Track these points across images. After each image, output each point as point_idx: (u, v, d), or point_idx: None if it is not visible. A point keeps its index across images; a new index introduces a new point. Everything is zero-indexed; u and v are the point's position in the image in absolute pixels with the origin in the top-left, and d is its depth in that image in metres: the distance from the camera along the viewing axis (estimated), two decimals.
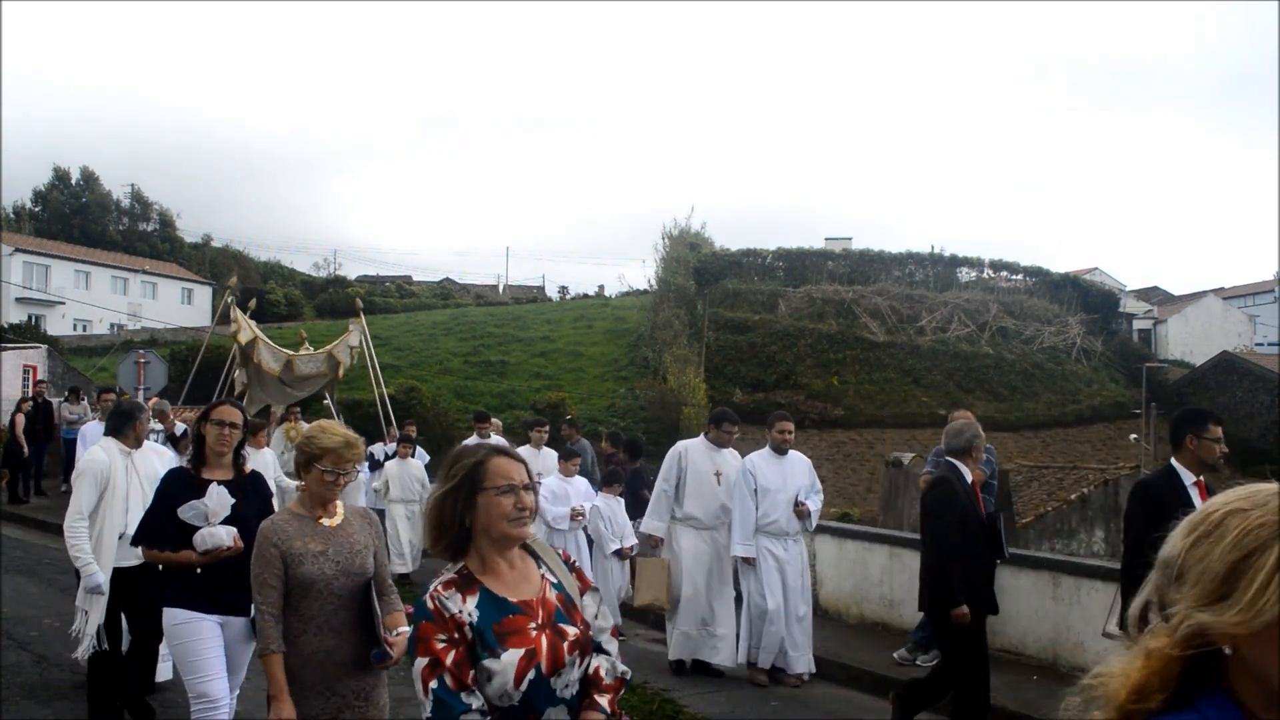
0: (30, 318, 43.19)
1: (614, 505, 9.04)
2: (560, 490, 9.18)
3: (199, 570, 4.22)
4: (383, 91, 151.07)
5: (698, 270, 36.75)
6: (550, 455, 10.22)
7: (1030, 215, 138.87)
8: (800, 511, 7.30)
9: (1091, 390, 35.79)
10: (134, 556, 5.23)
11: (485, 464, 2.42)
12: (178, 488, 4.38)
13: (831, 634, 8.33)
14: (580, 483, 9.42)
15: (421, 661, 2.23)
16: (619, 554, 8.88)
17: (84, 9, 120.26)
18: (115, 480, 5.50)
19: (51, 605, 8.88)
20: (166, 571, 4.37)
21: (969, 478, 5.80)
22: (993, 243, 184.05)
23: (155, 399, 12.77)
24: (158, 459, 5.92)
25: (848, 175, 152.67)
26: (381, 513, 10.62)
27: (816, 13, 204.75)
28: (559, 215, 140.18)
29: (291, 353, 14.04)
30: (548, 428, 11.04)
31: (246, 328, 13.32)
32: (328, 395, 15.77)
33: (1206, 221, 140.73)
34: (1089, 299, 41.00)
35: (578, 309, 43.94)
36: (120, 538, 5.52)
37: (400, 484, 11.23)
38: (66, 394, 18.04)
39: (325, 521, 3.61)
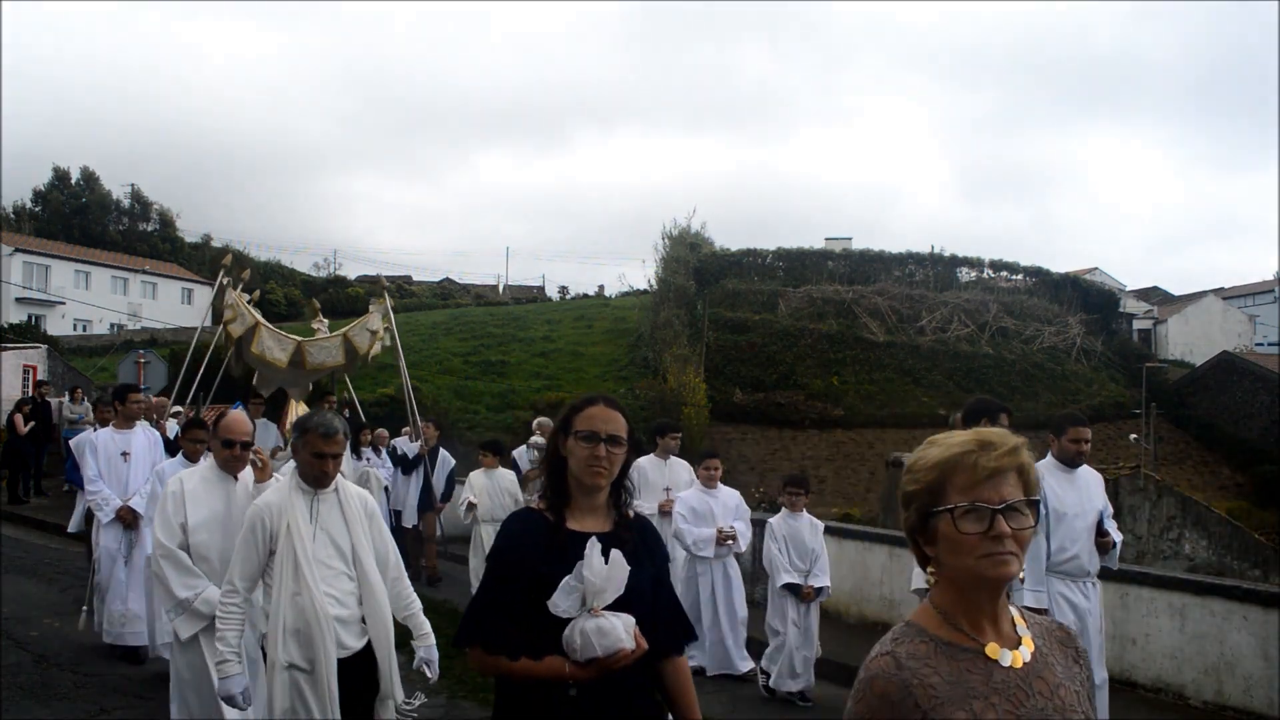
0: (30, 318, 43.22)
1: (794, 523, 6.99)
2: (702, 505, 7.54)
3: (572, 690, 2.47)
4: (383, 91, 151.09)
5: (698, 270, 36.74)
6: (681, 466, 8.33)
7: (1030, 215, 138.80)
8: (1105, 543, 5.66)
9: (1091, 390, 35.77)
10: (353, 638, 3.90)
11: None
12: (526, 545, 2.57)
13: (832, 634, 8.33)
14: (729, 495, 7.70)
15: None
16: (795, 590, 6.89)
17: (84, 9, 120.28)
18: (296, 531, 3.87)
19: (52, 605, 8.88)
20: (508, 693, 2.57)
21: None
22: (993, 243, 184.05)
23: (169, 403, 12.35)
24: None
25: (848, 175, 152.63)
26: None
27: (816, 12, 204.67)
28: (559, 215, 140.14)
29: (300, 339, 11.97)
30: (680, 435, 8.61)
31: (245, 314, 11.32)
32: (348, 389, 13.81)
33: (1206, 221, 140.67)
34: (1089, 299, 40.99)
35: (578, 309, 43.93)
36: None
37: (490, 498, 9.39)
38: (67, 394, 18.08)
39: None
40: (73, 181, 60.43)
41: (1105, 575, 7.57)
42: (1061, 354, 37.35)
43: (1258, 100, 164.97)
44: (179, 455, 6.44)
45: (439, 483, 11.68)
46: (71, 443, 7.67)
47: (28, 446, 16.01)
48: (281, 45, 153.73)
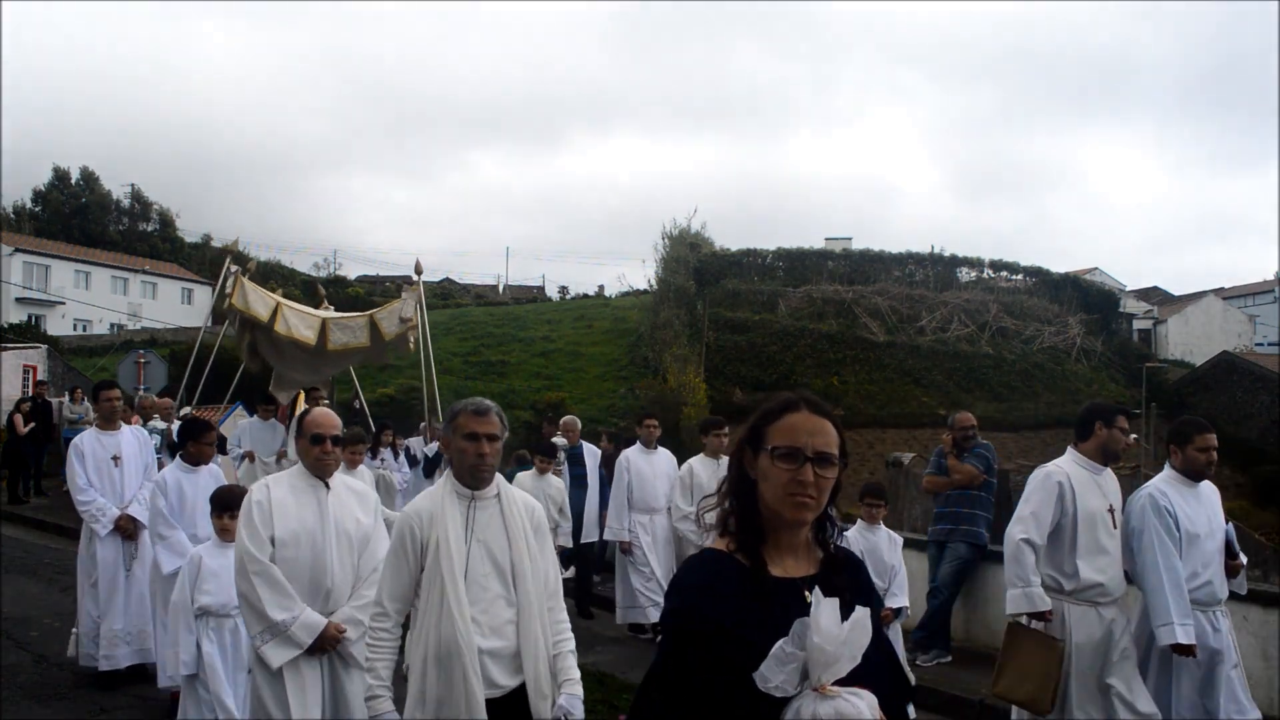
0: (30, 318, 43.23)
1: (872, 538, 6.33)
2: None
3: None
4: (382, 91, 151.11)
5: (698, 270, 36.74)
6: None
7: (1030, 215, 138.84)
8: (1235, 565, 5.15)
9: (1091, 390, 35.73)
10: (506, 675, 3.33)
11: None
12: (716, 599, 1.90)
13: None
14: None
15: None
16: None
17: (84, 9, 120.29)
18: (446, 544, 3.33)
19: (52, 605, 8.88)
20: None
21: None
22: (993, 243, 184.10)
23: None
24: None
25: (848, 175, 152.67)
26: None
27: (814, 11, 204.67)
28: (559, 215, 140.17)
29: (325, 314, 11.02)
30: (727, 430, 8.01)
31: (264, 296, 10.40)
32: (355, 387, 13.00)
33: (1206, 221, 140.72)
34: (1089, 299, 40.99)
35: (578, 309, 43.92)
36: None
37: None
38: (67, 394, 18.08)
39: None
40: (73, 181, 60.43)
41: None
42: (1061, 354, 37.36)
43: (1258, 99, 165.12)
44: (178, 460, 6.15)
45: None
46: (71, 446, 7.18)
47: (28, 447, 16.01)
48: (280, 45, 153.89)
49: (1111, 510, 5.00)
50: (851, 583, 1.99)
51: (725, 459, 7.73)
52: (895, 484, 16.51)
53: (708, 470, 7.70)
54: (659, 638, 2.15)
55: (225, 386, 13.79)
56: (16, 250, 47.63)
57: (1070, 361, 37.15)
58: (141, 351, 18.18)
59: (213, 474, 6.11)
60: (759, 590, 1.90)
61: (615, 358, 34.28)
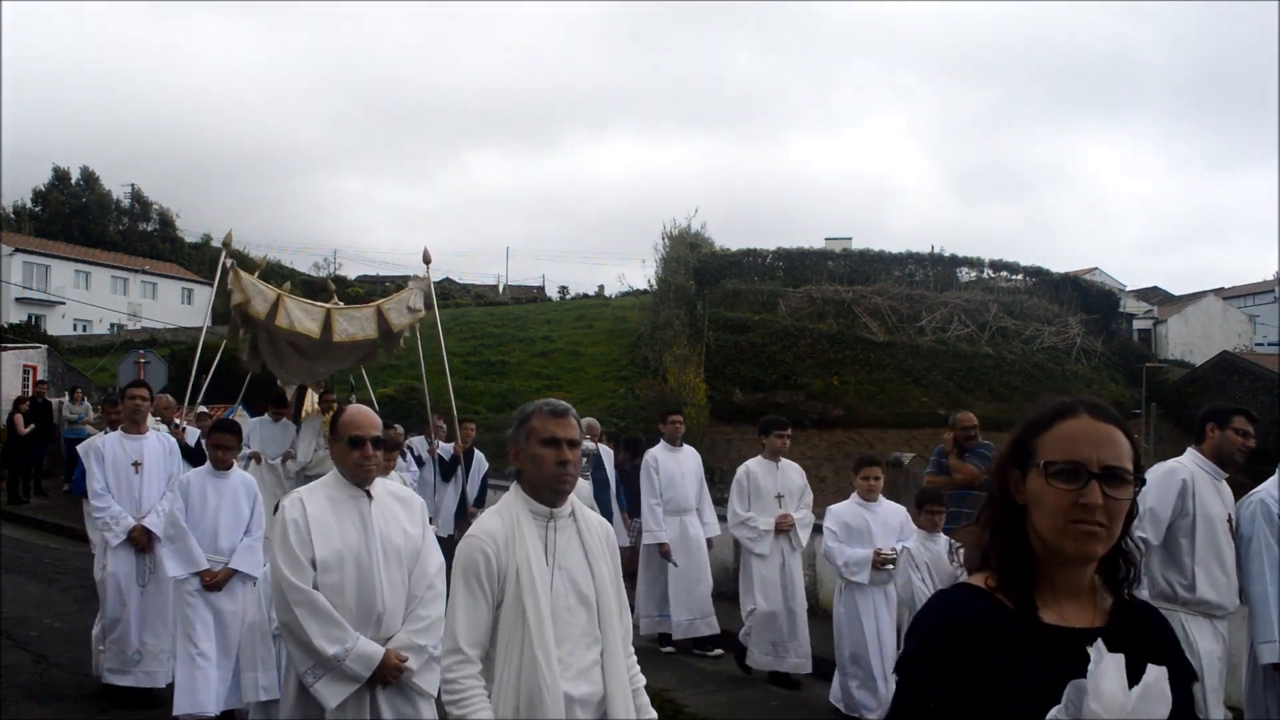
0: (30, 318, 43.24)
1: (935, 547, 5.86)
2: (858, 521, 6.38)
3: None
4: (383, 91, 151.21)
5: (698, 270, 36.76)
6: (795, 470, 7.37)
7: (1029, 215, 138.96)
8: None
9: (1091, 390, 35.72)
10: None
11: None
12: (973, 649, 1.54)
13: (831, 634, 8.33)
14: (891, 511, 6.52)
15: None
16: None
17: (84, 9, 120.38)
18: (528, 574, 2.87)
19: (52, 605, 8.89)
20: None
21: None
22: (992, 243, 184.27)
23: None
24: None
25: (847, 175, 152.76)
26: None
27: (812, 11, 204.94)
28: (559, 215, 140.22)
29: (329, 305, 10.28)
30: (789, 432, 7.43)
31: (264, 289, 9.72)
32: (366, 386, 12.41)
33: (1206, 221, 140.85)
34: (1089, 299, 41.03)
35: (578, 309, 43.95)
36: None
37: None
38: (67, 394, 18.09)
39: None
40: (73, 181, 60.48)
41: None
42: (1061, 354, 37.39)
43: (1258, 99, 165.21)
44: (207, 464, 5.73)
45: (473, 487, 10.86)
46: (79, 448, 6.75)
47: (28, 446, 16.02)
48: (280, 46, 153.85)
49: (1230, 520, 4.63)
50: (1150, 640, 1.60)
51: (785, 461, 7.17)
52: (895, 484, 16.52)
53: (767, 473, 7.21)
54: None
55: (232, 387, 13.63)
56: (16, 250, 47.65)
57: (1070, 361, 37.18)
58: (141, 351, 18.19)
59: (244, 482, 5.74)
60: (1026, 640, 1.53)
61: (615, 358, 34.30)
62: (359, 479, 3.62)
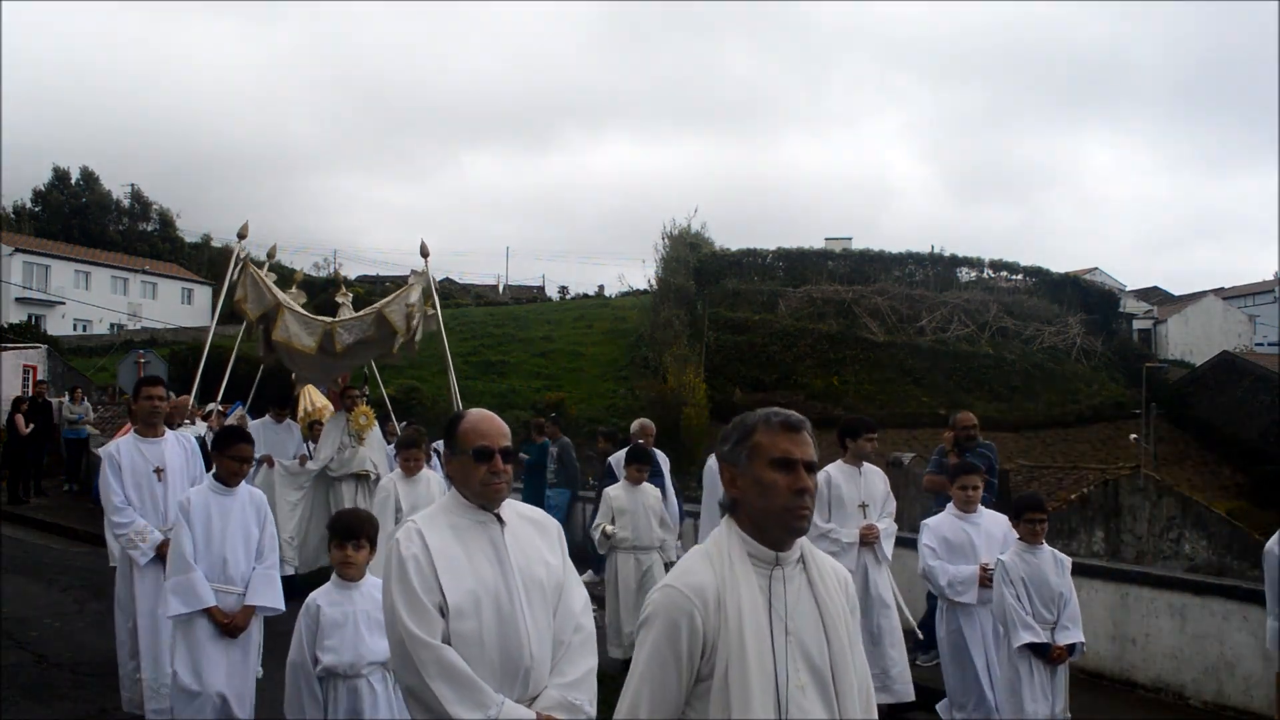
0: (30, 318, 43.24)
1: (1035, 560, 5.22)
2: (958, 535, 5.69)
3: None
4: (383, 91, 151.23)
5: (698, 270, 36.78)
6: (878, 476, 6.66)
7: (1029, 215, 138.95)
8: None
9: (1091, 390, 35.80)
10: None
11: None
12: None
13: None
14: (994, 521, 5.75)
15: None
16: (1040, 650, 5.05)
17: (84, 9, 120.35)
18: (750, 641, 2.26)
19: (52, 605, 8.89)
20: None
21: None
22: (992, 243, 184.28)
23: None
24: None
25: (847, 175, 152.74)
26: (599, 561, 8.26)
27: (814, 11, 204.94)
28: (559, 215, 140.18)
29: (327, 319, 9.91)
30: (876, 435, 6.67)
31: (264, 292, 9.30)
32: (375, 372, 12.11)
33: (1206, 221, 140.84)
34: (1089, 299, 41.05)
35: (578, 309, 43.97)
36: None
37: (635, 521, 7.31)
38: (67, 394, 18.08)
39: None
40: (73, 181, 60.50)
41: (1107, 575, 7.61)
42: (1061, 354, 37.39)
43: (1257, 98, 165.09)
44: (208, 479, 4.91)
45: None
46: (100, 451, 6.09)
47: (28, 447, 16.01)
48: (279, 46, 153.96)
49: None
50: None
51: (868, 466, 6.64)
52: (895, 484, 16.52)
53: (849, 480, 6.44)
54: None
55: (242, 387, 13.54)
56: (16, 250, 47.67)
57: (1070, 361, 37.18)
58: (141, 351, 18.22)
59: (254, 499, 4.91)
60: None
61: (615, 358, 34.30)
62: (488, 499, 2.92)
